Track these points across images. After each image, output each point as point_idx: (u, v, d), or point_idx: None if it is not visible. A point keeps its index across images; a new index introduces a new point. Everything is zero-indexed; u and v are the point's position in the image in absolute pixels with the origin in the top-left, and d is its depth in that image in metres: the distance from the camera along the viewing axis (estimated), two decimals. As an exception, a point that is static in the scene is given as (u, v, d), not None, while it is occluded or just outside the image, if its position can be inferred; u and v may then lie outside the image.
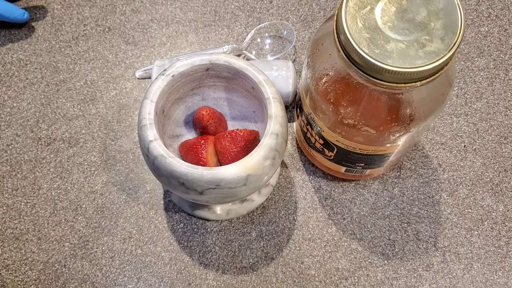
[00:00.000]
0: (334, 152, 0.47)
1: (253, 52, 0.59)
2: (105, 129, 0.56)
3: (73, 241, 0.51)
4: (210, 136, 0.47)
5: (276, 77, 0.53)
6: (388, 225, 0.52)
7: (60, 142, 0.55)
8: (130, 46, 0.59)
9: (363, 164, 0.47)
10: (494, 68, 0.58)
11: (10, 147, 0.55)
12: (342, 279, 0.50)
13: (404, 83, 0.35)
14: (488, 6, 0.61)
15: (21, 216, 0.52)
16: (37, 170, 0.54)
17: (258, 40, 0.59)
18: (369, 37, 0.35)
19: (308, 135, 0.48)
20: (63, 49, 0.59)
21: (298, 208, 0.53)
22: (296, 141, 0.55)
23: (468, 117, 0.56)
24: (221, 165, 0.46)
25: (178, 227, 0.52)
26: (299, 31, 0.60)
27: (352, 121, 0.40)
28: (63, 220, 0.52)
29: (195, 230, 0.52)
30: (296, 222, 0.52)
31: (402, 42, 0.35)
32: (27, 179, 0.54)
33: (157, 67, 0.54)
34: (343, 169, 0.50)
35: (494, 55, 0.59)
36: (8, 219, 0.52)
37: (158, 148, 0.40)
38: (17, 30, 0.60)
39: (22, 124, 0.56)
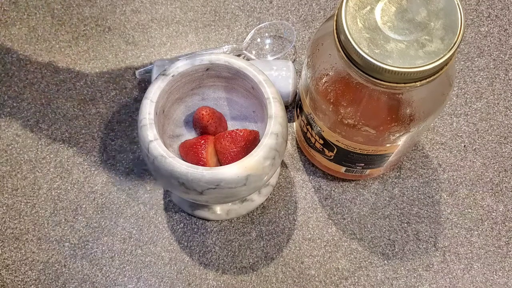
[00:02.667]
0: (334, 152, 0.47)
1: (253, 52, 0.59)
2: (105, 129, 0.56)
3: (73, 241, 0.51)
4: (210, 136, 0.47)
5: (276, 77, 0.53)
6: (388, 225, 0.52)
7: (60, 142, 0.55)
8: (130, 46, 0.59)
9: (363, 164, 0.47)
10: (494, 68, 0.58)
11: (10, 147, 0.55)
12: (342, 279, 0.50)
13: (404, 83, 0.35)
14: (488, 6, 0.61)
15: (21, 216, 0.52)
16: (37, 170, 0.54)
17: (258, 40, 0.59)
18: (369, 37, 0.35)
19: (308, 135, 0.48)
20: (63, 49, 0.59)
21: (298, 208, 0.53)
22: (296, 141, 0.55)
23: (468, 117, 0.56)
24: (221, 165, 0.46)
25: (178, 227, 0.52)
26: (299, 31, 0.60)
27: (352, 121, 0.40)
28: (63, 220, 0.52)
29: (195, 230, 0.52)
30: (296, 222, 0.52)
31: (402, 42, 0.35)
32: (27, 179, 0.54)
33: (157, 67, 0.54)
34: (343, 169, 0.50)
35: (494, 55, 0.59)
36: (8, 219, 0.52)
37: (158, 148, 0.40)
38: (17, 30, 0.60)
39: (22, 124, 0.56)
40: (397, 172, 0.54)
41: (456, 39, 0.35)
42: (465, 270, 0.50)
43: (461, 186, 0.53)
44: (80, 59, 0.59)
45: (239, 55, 0.59)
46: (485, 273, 0.50)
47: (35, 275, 0.50)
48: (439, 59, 0.34)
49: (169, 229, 0.52)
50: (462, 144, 0.55)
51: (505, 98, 0.57)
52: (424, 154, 0.55)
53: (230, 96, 0.49)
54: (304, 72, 0.45)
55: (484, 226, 0.52)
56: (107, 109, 0.56)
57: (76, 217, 0.52)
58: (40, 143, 0.55)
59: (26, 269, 0.51)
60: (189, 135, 0.49)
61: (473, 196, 0.53)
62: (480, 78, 0.58)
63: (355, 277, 0.50)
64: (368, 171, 0.49)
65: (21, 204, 0.53)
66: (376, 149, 0.43)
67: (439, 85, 0.39)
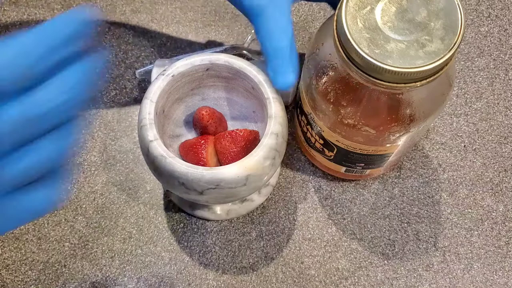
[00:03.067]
0: (334, 152, 0.47)
1: (254, 52, 0.58)
2: (105, 129, 0.56)
3: (73, 241, 0.51)
4: (210, 136, 0.47)
5: (276, 77, 0.53)
6: (388, 225, 0.52)
7: (60, 142, 0.55)
8: (130, 46, 0.59)
9: (363, 164, 0.47)
10: (494, 68, 0.58)
11: (10, 147, 0.55)
12: (342, 279, 0.50)
13: (404, 83, 0.35)
14: (488, 6, 0.61)
15: (21, 216, 0.52)
16: (37, 170, 0.54)
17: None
18: (369, 37, 0.35)
19: (308, 135, 0.48)
20: (63, 49, 0.59)
21: (298, 208, 0.53)
22: (296, 141, 0.55)
23: (468, 117, 0.56)
24: (221, 165, 0.46)
25: (178, 227, 0.52)
26: (299, 31, 0.60)
27: (352, 121, 0.40)
28: (63, 220, 0.52)
29: (195, 230, 0.52)
30: (296, 222, 0.52)
31: (402, 42, 0.35)
32: (27, 179, 0.54)
33: (157, 67, 0.54)
34: (343, 169, 0.50)
35: (494, 55, 0.59)
36: (8, 219, 0.52)
37: (158, 148, 0.40)
38: (17, 30, 0.60)
39: (22, 124, 0.56)
40: (397, 172, 0.54)
41: (456, 39, 0.35)
42: (465, 270, 0.50)
43: (461, 186, 0.53)
44: (80, 59, 0.59)
45: (239, 55, 0.59)
46: (485, 273, 0.50)
47: (35, 275, 0.50)
48: (439, 59, 0.34)
49: (169, 229, 0.52)
50: (462, 144, 0.55)
51: (505, 98, 0.57)
52: (424, 154, 0.55)
53: (230, 96, 0.49)
54: (304, 72, 0.45)
55: (484, 226, 0.52)
56: (107, 109, 0.56)
57: (76, 217, 0.52)
58: (40, 143, 0.55)
59: (26, 269, 0.51)
60: (189, 135, 0.49)
61: (473, 196, 0.53)
62: (480, 78, 0.58)
63: (355, 277, 0.50)
64: (368, 171, 0.49)
65: (21, 204, 0.53)
66: (376, 149, 0.43)
67: (439, 85, 0.39)
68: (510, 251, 0.51)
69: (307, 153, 0.53)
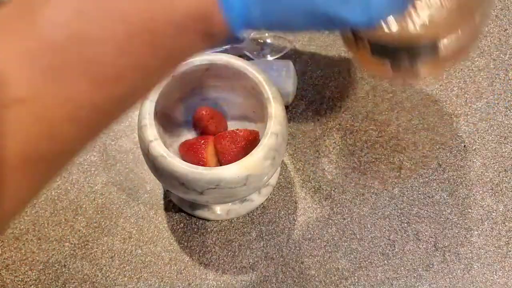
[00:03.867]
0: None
1: (254, 52, 0.59)
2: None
3: (73, 241, 0.51)
4: (210, 136, 0.47)
5: (276, 77, 0.53)
6: (388, 225, 0.52)
7: (60, 142, 0.55)
8: (130, 46, 0.59)
9: (408, 54, 0.36)
10: (494, 68, 0.58)
11: (10, 147, 0.55)
12: (342, 279, 0.50)
13: None
14: (488, 6, 0.61)
15: (21, 216, 0.52)
16: (37, 170, 0.54)
17: (258, 40, 0.59)
18: None
19: None
20: (63, 49, 0.59)
21: (298, 208, 0.53)
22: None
23: (468, 117, 0.56)
24: (221, 165, 0.46)
25: (178, 227, 0.52)
26: (299, 31, 0.60)
27: None
28: (63, 220, 0.52)
29: (195, 230, 0.52)
30: (296, 222, 0.52)
31: None
32: (27, 179, 0.54)
33: (157, 67, 0.54)
34: (388, 65, 0.38)
35: (494, 55, 0.59)
36: (8, 219, 0.52)
37: (158, 148, 0.40)
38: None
39: (22, 124, 0.56)
40: (397, 172, 0.54)
41: None
42: (465, 270, 0.50)
43: (461, 186, 0.53)
44: (80, 59, 0.59)
45: (239, 55, 0.58)
46: (485, 273, 0.50)
47: (35, 275, 0.50)
48: None
49: (169, 229, 0.52)
50: (462, 144, 0.55)
51: (505, 98, 0.57)
52: (424, 154, 0.55)
53: (230, 96, 0.49)
54: None
55: (484, 226, 0.52)
56: (107, 109, 0.56)
57: (76, 217, 0.52)
58: (40, 143, 0.55)
59: (26, 269, 0.50)
60: (189, 135, 0.49)
61: (473, 196, 0.53)
62: (480, 78, 0.58)
63: (355, 277, 0.50)
64: (421, 70, 0.38)
65: (21, 204, 0.53)
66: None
67: None
68: (510, 251, 0.51)
69: (353, 52, 0.40)
